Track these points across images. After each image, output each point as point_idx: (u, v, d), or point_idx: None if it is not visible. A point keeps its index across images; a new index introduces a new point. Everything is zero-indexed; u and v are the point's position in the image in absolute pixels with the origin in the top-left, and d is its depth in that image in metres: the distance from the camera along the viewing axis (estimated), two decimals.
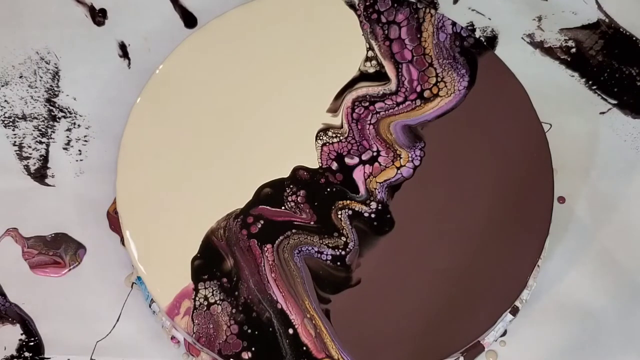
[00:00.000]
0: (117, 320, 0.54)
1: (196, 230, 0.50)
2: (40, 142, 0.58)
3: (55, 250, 0.55)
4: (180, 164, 0.52)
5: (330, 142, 0.52)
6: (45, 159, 0.58)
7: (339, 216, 0.51)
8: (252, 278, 0.49)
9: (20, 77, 0.60)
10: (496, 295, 0.49)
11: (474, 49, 0.54)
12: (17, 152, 0.58)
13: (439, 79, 0.54)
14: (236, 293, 0.49)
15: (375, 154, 0.52)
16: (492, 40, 0.61)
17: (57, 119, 0.58)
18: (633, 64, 0.60)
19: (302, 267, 0.49)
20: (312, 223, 0.50)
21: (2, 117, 0.58)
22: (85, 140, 0.58)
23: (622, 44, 0.60)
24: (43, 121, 0.58)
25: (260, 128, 0.53)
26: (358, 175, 0.52)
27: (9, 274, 0.55)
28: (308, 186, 0.51)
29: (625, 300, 0.54)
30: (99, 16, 0.62)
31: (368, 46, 0.55)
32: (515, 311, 0.53)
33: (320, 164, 0.52)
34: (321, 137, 0.53)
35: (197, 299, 0.49)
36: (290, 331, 0.48)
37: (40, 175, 0.57)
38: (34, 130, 0.58)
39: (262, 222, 0.50)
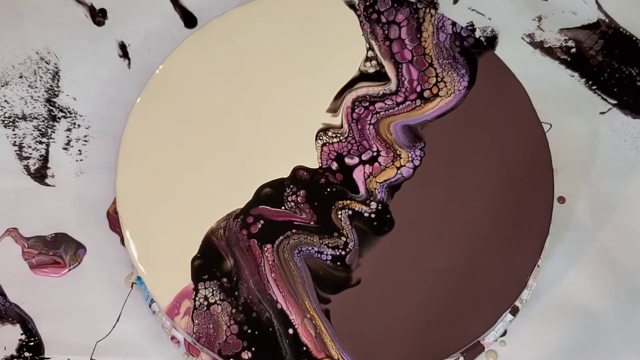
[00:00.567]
0: (117, 320, 0.54)
1: (196, 230, 0.50)
2: (40, 142, 0.58)
3: (55, 250, 0.55)
4: (180, 164, 0.52)
5: (330, 142, 0.52)
6: (45, 159, 0.58)
7: (339, 216, 0.51)
8: (252, 278, 0.49)
9: (20, 77, 0.60)
10: (496, 295, 0.49)
11: (474, 49, 0.54)
12: (17, 152, 0.58)
13: (439, 79, 0.54)
14: (236, 293, 0.49)
15: (375, 154, 0.52)
16: (492, 40, 0.61)
17: (57, 119, 0.58)
18: (633, 64, 0.60)
19: (302, 267, 0.49)
20: (312, 223, 0.50)
21: (2, 117, 0.58)
22: (85, 140, 0.58)
23: (622, 44, 0.60)
24: (43, 121, 0.58)
25: (260, 128, 0.53)
26: (358, 175, 0.52)
27: (9, 274, 0.55)
28: (308, 186, 0.51)
29: (625, 300, 0.54)
30: (99, 16, 0.62)
31: (368, 46, 0.55)
32: (515, 311, 0.53)
33: (320, 164, 0.52)
34: (321, 137, 0.53)
35: (197, 299, 0.49)
36: (290, 331, 0.48)
37: (40, 175, 0.57)
38: (34, 130, 0.58)
39: (262, 222, 0.50)
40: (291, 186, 0.51)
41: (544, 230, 0.50)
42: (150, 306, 0.53)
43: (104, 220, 0.56)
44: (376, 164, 0.52)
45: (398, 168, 0.52)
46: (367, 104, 0.53)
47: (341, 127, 0.53)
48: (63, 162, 0.57)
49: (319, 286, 0.49)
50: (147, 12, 0.62)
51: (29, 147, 0.58)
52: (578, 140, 0.58)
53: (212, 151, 0.52)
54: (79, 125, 0.58)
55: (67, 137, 0.58)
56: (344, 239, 0.50)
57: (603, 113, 0.59)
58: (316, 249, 0.50)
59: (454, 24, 0.55)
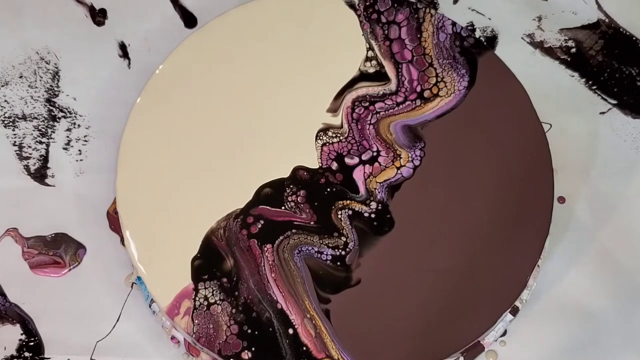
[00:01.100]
0: (117, 320, 0.54)
1: (196, 230, 0.50)
2: (40, 142, 0.58)
3: (55, 250, 0.55)
4: (180, 164, 0.52)
5: (330, 142, 0.52)
6: (45, 159, 0.58)
7: (339, 216, 0.51)
8: (252, 278, 0.49)
9: (20, 77, 0.60)
10: (496, 295, 0.49)
11: (474, 49, 0.54)
12: (17, 152, 0.58)
13: (439, 79, 0.54)
14: (236, 293, 0.49)
15: (375, 154, 0.52)
16: (492, 40, 0.61)
17: (57, 119, 0.58)
18: (633, 64, 0.60)
19: (302, 267, 0.49)
20: (312, 223, 0.50)
21: (2, 117, 0.58)
22: (85, 140, 0.58)
23: (622, 44, 0.60)
24: (43, 121, 0.58)
25: (260, 128, 0.53)
26: (358, 175, 0.52)
27: (9, 274, 0.55)
28: (308, 186, 0.51)
29: (625, 300, 0.54)
30: (99, 16, 0.62)
31: (368, 46, 0.55)
32: (515, 311, 0.53)
33: (320, 164, 0.52)
34: (321, 137, 0.53)
35: (197, 299, 0.49)
36: (290, 331, 0.48)
37: (40, 175, 0.57)
38: (34, 130, 0.58)
39: (262, 222, 0.50)
40: (291, 186, 0.51)
41: (544, 230, 0.50)
42: (150, 306, 0.53)
43: (104, 220, 0.56)
44: (376, 164, 0.52)
45: (398, 168, 0.52)
46: (367, 104, 0.53)
47: (341, 127, 0.53)
48: (63, 162, 0.57)
49: (319, 286, 0.49)
50: (147, 12, 0.62)
51: (29, 147, 0.58)
52: (578, 140, 0.58)
53: (212, 151, 0.52)
54: (79, 125, 0.58)
55: (67, 137, 0.58)
56: (344, 239, 0.50)
57: (603, 113, 0.59)
58: (316, 249, 0.50)
59: (454, 24, 0.55)
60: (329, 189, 0.51)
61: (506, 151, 0.52)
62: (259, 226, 0.50)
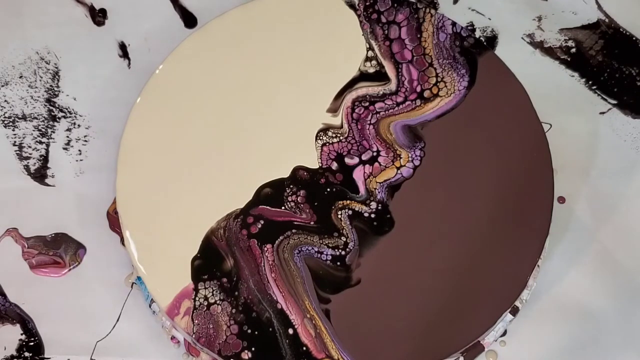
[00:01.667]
0: (117, 320, 0.54)
1: (196, 230, 0.50)
2: (40, 142, 0.58)
3: (55, 250, 0.55)
4: (180, 164, 0.52)
5: (330, 142, 0.52)
6: (45, 159, 0.58)
7: (339, 216, 0.51)
8: (252, 278, 0.49)
9: (20, 77, 0.60)
10: (496, 295, 0.49)
11: (474, 49, 0.54)
12: (17, 152, 0.58)
13: (439, 79, 0.54)
14: (236, 293, 0.49)
15: (375, 154, 0.52)
16: (492, 40, 0.61)
17: (57, 119, 0.58)
18: (633, 64, 0.60)
19: (302, 267, 0.49)
20: (312, 223, 0.50)
21: (2, 117, 0.58)
22: (85, 140, 0.58)
23: (622, 44, 0.60)
24: (43, 121, 0.58)
25: (260, 128, 0.53)
26: (358, 175, 0.52)
27: (9, 274, 0.55)
28: (308, 186, 0.51)
29: (625, 300, 0.54)
30: (99, 16, 0.62)
31: (368, 46, 0.55)
32: (515, 311, 0.53)
33: (320, 164, 0.52)
34: (321, 137, 0.53)
35: (197, 299, 0.49)
36: (290, 331, 0.48)
37: (40, 175, 0.57)
38: (34, 130, 0.58)
39: (262, 222, 0.50)
40: (291, 186, 0.51)
41: (544, 230, 0.50)
42: (150, 306, 0.53)
43: (104, 220, 0.56)
44: (376, 164, 0.52)
45: (398, 168, 0.52)
46: (367, 104, 0.53)
47: (341, 127, 0.53)
48: (63, 162, 0.57)
49: (319, 286, 0.49)
50: (147, 12, 0.62)
51: (29, 147, 0.58)
52: (578, 140, 0.58)
53: (212, 151, 0.52)
54: (79, 125, 0.58)
55: (67, 137, 0.58)
56: (344, 239, 0.50)
57: (603, 113, 0.59)
58: (316, 249, 0.50)
59: (454, 24, 0.55)
60: (329, 189, 0.51)
61: (506, 151, 0.52)
62: (259, 226, 0.50)
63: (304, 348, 0.48)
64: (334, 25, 0.55)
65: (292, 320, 0.48)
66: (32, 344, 0.53)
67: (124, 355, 0.53)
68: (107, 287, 0.54)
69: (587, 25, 0.61)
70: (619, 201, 0.56)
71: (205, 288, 0.49)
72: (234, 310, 0.49)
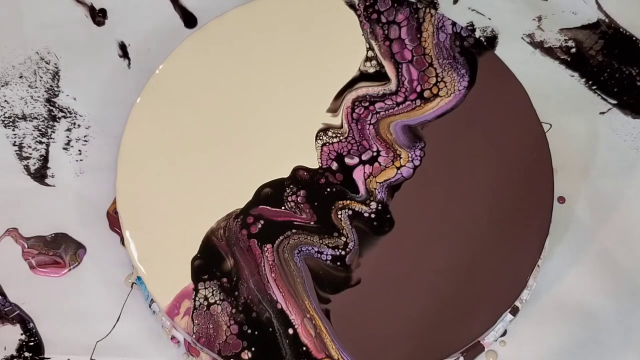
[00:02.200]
0: (117, 320, 0.54)
1: (196, 230, 0.50)
2: (40, 142, 0.58)
3: (55, 250, 0.55)
4: (180, 164, 0.52)
5: (330, 142, 0.52)
6: (45, 159, 0.58)
7: (339, 216, 0.51)
8: (252, 278, 0.49)
9: (20, 77, 0.60)
10: (496, 295, 0.49)
11: (474, 49, 0.54)
12: (17, 152, 0.58)
13: (439, 79, 0.54)
14: (236, 293, 0.49)
15: (375, 154, 0.52)
16: (492, 40, 0.61)
17: (57, 119, 0.58)
18: (633, 64, 0.60)
19: (302, 267, 0.49)
20: (312, 223, 0.50)
21: (2, 117, 0.58)
22: (85, 140, 0.58)
23: (622, 44, 0.60)
24: (43, 121, 0.58)
25: (260, 128, 0.53)
26: (358, 175, 0.52)
27: (9, 274, 0.55)
28: (308, 186, 0.51)
29: (625, 300, 0.54)
30: (99, 16, 0.62)
31: (368, 46, 0.55)
32: (515, 311, 0.53)
33: (320, 164, 0.52)
34: (321, 137, 0.53)
35: (197, 299, 0.49)
36: (290, 331, 0.48)
37: (40, 175, 0.57)
38: (34, 130, 0.58)
39: (262, 222, 0.50)
40: (291, 186, 0.51)
41: (544, 230, 0.50)
42: (150, 306, 0.53)
43: (104, 220, 0.56)
44: (376, 164, 0.52)
45: (398, 168, 0.52)
46: (367, 104, 0.53)
47: (341, 127, 0.53)
48: (63, 162, 0.57)
49: (319, 286, 0.49)
50: (147, 12, 0.62)
51: (29, 147, 0.58)
52: (578, 140, 0.58)
53: (212, 151, 0.52)
54: (79, 125, 0.58)
55: (67, 137, 0.58)
56: (344, 239, 0.50)
57: (603, 113, 0.59)
58: (316, 249, 0.50)
59: (454, 24, 0.55)
60: (329, 189, 0.51)
61: (506, 151, 0.52)
62: (259, 226, 0.50)
63: (304, 348, 0.48)
64: (334, 25, 0.55)
65: (292, 320, 0.48)
66: (32, 344, 0.53)
67: (124, 355, 0.53)
68: (107, 287, 0.54)
69: (587, 25, 0.61)
70: (619, 201, 0.56)
71: (205, 288, 0.49)
72: (234, 310, 0.49)
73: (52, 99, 0.59)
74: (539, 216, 0.50)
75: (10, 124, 0.58)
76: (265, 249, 0.50)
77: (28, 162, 0.57)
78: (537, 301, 0.54)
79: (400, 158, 0.52)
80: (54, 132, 0.58)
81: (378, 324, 0.49)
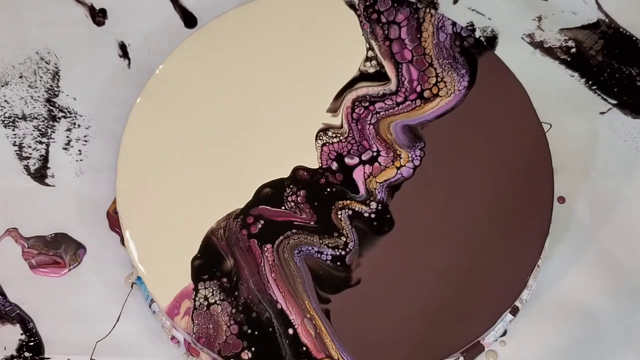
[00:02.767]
0: (117, 320, 0.54)
1: (196, 230, 0.50)
2: (40, 142, 0.58)
3: (55, 250, 0.55)
4: (180, 164, 0.52)
5: (330, 142, 0.52)
6: (45, 159, 0.58)
7: (339, 216, 0.51)
8: (252, 278, 0.49)
9: (20, 77, 0.60)
10: (496, 295, 0.49)
11: (474, 49, 0.54)
12: (17, 152, 0.58)
13: (439, 79, 0.54)
14: (236, 293, 0.49)
15: (375, 154, 0.52)
16: (492, 40, 0.61)
17: (57, 119, 0.58)
18: (633, 64, 0.60)
19: (302, 267, 0.49)
20: (312, 223, 0.50)
21: (2, 117, 0.58)
22: (85, 140, 0.58)
23: (622, 44, 0.60)
24: (43, 121, 0.58)
25: (260, 128, 0.53)
26: (358, 175, 0.52)
27: (9, 274, 0.55)
28: (308, 186, 0.51)
29: (625, 300, 0.54)
30: (99, 16, 0.62)
31: (368, 46, 0.55)
32: (515, 311, 0.53)
33: (320, 164, 0.52)
34: (321, 137, 0.53)
35: (197, 299, 0.49)
36: (290, 331, 0.48)
37: (40, 175, 0.57)
38: (34, 130, 0.58)
39: (262, 222, 0.50)
40: (291, 186, 0.51)
41: (544, 230, 0.50)
42: (150, 306, 0.53)
43: (104, 220, 0.56)
44: (376, 164, 0.52)
45: (398, 168, 0.52)
46: (367, 104, 0.53)
47: (341, 127, 0.53)
48: (63, 162, 0.57)
49: (319, 286, 0.49)
50: (147, 12, 0.62)
51: (29, 147, 0.58)
52: (578, 140, 0.58)
53: (212, 151, 0.52)
54: (79, 125, 0.58)
55: (67, 137, 0.58)
56: (344, 239, 0.50)
57: (603, 113, 0.59)
58: (316, 249, 0.50)
59: (454, 24, 0.55)
60: (329, 189, 0.51)
61: (506, 151, 0.52)
62: (259, 226, 0.50)
63: (304, 348, 0.48)
64: (334, 25, 0.55)
65: (292, 320, 0.48)
66: (32, 344, 0.53)
67: (124, 355, 0.53)
68: (107, 287, 0.54)
69: (587, 25, 0.61)
70: (619, 201, 0.56)
71: (205, 288, 0.49)
72: (234, 310, 0.49)
73: (52, 99, 0.59)
74: (539, 216, 0.50)
75: (10, 124, 0.58)
76: (265, 249, 0.50)
77: (28, 162, 0.57)
78: (537, 301, 0.54)
79: (400, 158, 0.52)
80: (54, 132, 0.58)
81: (378, 324, 0.49)
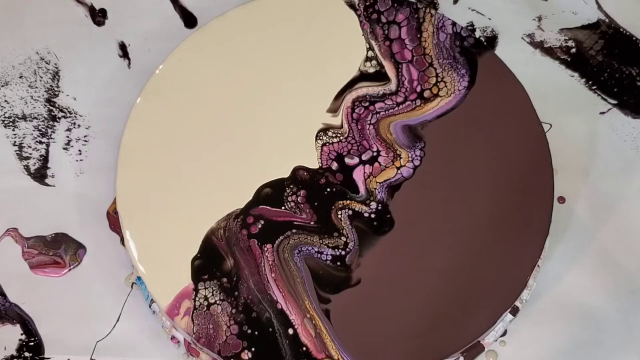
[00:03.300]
0: (117, 320, 0.54)
1: (196, 230, 0.50)
2: (40, 142, 0.58)
3: (55, 250, 0.55)
4: (180, 164, 0.52)
5: (330, 142, 0.52)
6: (45, 159, 0.58)
7: (339, 216, 0.51)
8: (252, 278, 0.49)
9: (20, 77, 0.60)
10: (496, 295, 0.49)
11: (474, 49, 0.54)
12: (17, 152, 0.58)
13: (439, 79, 0.54)
14: (236, 293, 0.49)
15: (375, 154, 0.52)
16: (492, 40, 0.61)
17: (57, 119, 0.58)
18: (633, 64, 0.60)
19: (302, 267, 0.49)
20: (312, 223, 0.50)
21: (2, 117, 0.58)
22: (85, 140, 0.58)
23: (622, 44, 0.60)
24: (43, 121, 0.58)
25: (260, 128, 0.53)
26: (358, 175, 0.52)
27: (9, 274, 0.55)
28: (308, 186, 0.51)
29: (625, 300, 0.54)
30: (99, 16, 0.62)
31: (368, 46, 0.55)
32: (515, 311, 0.53)
33: (320, 164, 0.52)
34: (321, 137, 0.53)
35: (197, 299, 0.49)
36: (290, 331, 0.48)
37: (40, 175, 0.57)
38: (34, 130, 0.58)
39: (262, 222, 0.50)
40: (291, 186, 0.51)
41: (544, 230, 0.50)
42: (150, 306, 0.53)
43: (104, 220, 0.56)
44: (376, 164, 0.52)
45: (398, 168, 0.52)
46: (367, 104, 0.53)
47: (341, 127, 0.53)
48: (63, 162, 0.57)
49: (319, 286, 0.49)
50: (147, 12, 0.62)
51: (29, 147, 0.58)
52: (578, 140, 0.58)
53: (212, 151, 0.52)
54: (79, 125, 0.58)
55: (67, 137, 0.58)
56: (344, 239, 0.50)
57: (603, 113, 0.59)
58: (316, 249, 0.50)
59: (454, 24, 0.55)
60: (329, 189, 0.51)
61: (506, 151, 0.52)
62: (259, 226, 0.50)
63: (304, 348, 0.48)
64: (334, 25, 0.55)
65: (292, 320, 0.48)
66: (32, 344, 0.53)
67: (124, 355, 0.53)
68: (107, 287, 0.54)
69: (587, 25, 0.61)
70: (619, 201, 0.56)
71: (205, 288, 0.49)
72: (234, 310, 0.49)
73: (52, 99, 0.59)
74: (539, 216, 0.50)
75: (10, 124, 0.58)
76: (265, 249, 0.50)
77: (28, 162, 0.57)
78: (537, 301, 0.54)
79: (400, 158, 0.52)
80: (54, 132, 0.58)
81: (378, 324, 0.49)
